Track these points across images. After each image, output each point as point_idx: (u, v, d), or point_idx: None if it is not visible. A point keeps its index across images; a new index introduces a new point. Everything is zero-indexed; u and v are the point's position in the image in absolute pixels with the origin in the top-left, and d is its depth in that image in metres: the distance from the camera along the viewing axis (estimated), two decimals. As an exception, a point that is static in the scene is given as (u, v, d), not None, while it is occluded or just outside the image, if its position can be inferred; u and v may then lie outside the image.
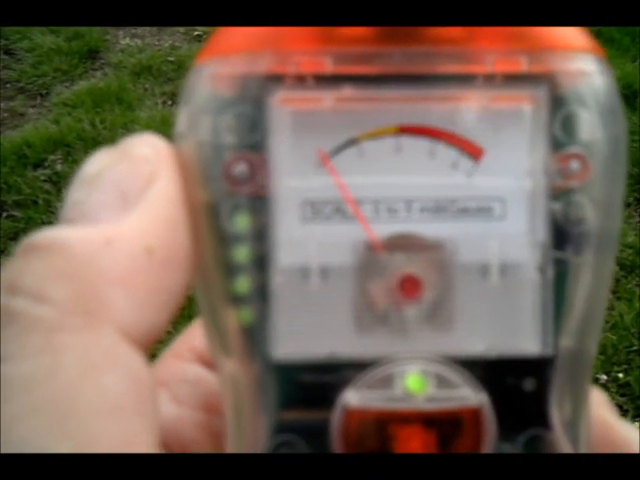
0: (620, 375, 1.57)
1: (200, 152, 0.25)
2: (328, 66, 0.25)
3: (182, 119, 0.26)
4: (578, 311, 0.26)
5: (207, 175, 0.25)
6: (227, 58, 0.25)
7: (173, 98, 2.49)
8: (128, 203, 0.24)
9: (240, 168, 0.25)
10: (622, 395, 1.54)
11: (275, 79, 0.25)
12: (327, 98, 0.26)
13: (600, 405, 0.28)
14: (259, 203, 0.25)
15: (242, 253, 0.25)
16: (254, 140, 0.25)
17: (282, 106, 0.26)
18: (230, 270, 0.25)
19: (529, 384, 0.26)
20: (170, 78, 2.59)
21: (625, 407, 1.52)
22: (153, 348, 0.24)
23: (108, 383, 0.22)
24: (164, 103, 2.46)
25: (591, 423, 0.27)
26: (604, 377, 1.57)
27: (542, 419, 0.26)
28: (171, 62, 2.66)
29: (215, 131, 0.25)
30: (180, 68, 2.62)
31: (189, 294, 0.25)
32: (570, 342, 0.26)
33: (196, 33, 2.83)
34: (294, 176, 0.26)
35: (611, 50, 2.53)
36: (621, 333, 1.64)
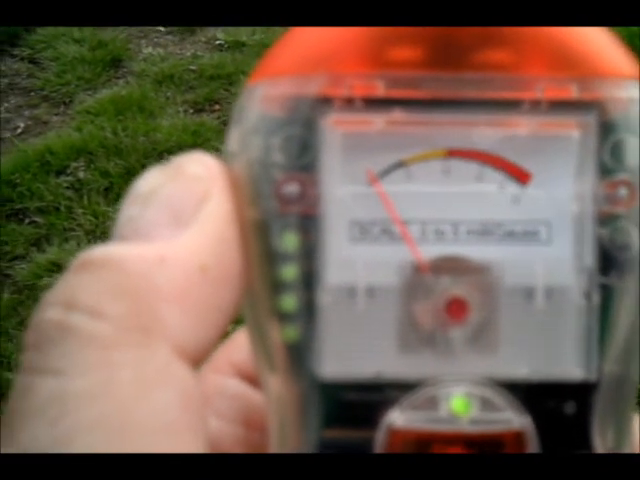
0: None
1: (251, 171, 0.26)
2: (380, 89, 0.26)
3: (233, 138, 0.26)
4: (622, 337, 0.26)
5: (258, 194, 0.26)
6: (279, 79, 0.26)
7: (195, 106, 2.50)
8: (181, 221, 0.24)
9: (290, 188, 0.26)
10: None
11: (326, 101, 0.26)
12: (377, 121, 0.26)
13: None
14: (308, 222, 0.26)
15: (290, 271, 0.26)
16: (305, 160, 0.26)
17: (333, 128, 0.26)
18: (278, 288, 0.26)
19: (572, 409, 0.26)
20: (192, 87, 2.60)
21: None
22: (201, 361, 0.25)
23: (162, 400, 0.22)
24: (185, 111, 2.47)
25: (634, 450, 0.27)
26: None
27: (584, 445, 0.26)
28: (193, 71, 2.67)
29: (266, 151, 0.26)
30: (202, 77, 2.64)
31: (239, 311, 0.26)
32: (613, 368, 0.26)
33: (217, 42, 2.84)
34: (343, 197, 0.26)
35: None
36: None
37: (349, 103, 0.26)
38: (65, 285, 0.23)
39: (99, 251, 0.24)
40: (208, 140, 2.25)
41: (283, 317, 0.26)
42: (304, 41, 0.26)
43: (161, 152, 2.26)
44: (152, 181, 0.25)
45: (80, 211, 2.07)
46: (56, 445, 0.21)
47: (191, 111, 2.48)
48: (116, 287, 0.23)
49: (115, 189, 2.12)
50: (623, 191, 0.26)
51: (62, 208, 2.09)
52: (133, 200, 0.25)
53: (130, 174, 2.18)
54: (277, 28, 2.87)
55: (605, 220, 0.26)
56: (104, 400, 0.21)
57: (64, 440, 0.21)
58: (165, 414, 0.22)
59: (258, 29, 2.86)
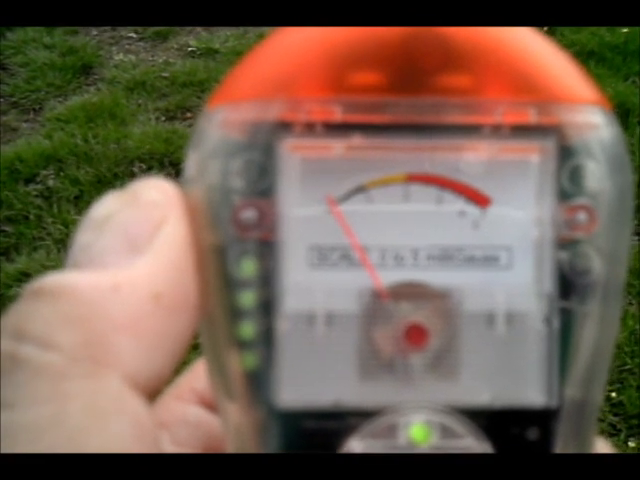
0: (613, 394, 1.57)
1: (209, 197, 0.25)
2: (338, 114, 0.25)
3: (191, 163, 0.26)
4: (583, 361, 0.26)
5: (215, 219, 0.25)
6: (238, 104, 0.26)
7: (166, 114, 2.49)
8: (136, 248, 0.24)
9: (249, 213, 0.25)
10: (615, 414, 1.54)
11: (285, 126, 0.25)
12: (336, 146, 0.26)
13: None
14: (266, 248, 0.26)
15: (248, 298, 0.25)
16: (263, 186, 0.25)
17: (292, 153, 0.26)
18: (235, 314, 0.25)
19: (534, 435, 0.26)
20: (164, 94, 2.59)
21: (618, 426, 1.52)
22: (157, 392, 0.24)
23: (114, 431, 0.22)
24: (157, 119, 2.46)
25: None
26: (598, 396, 1.57)
27: None
28: (165, 78, 2.67)
29: (224, 176, 0.25)
30: (173, 84, 2.63)
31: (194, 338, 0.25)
32: (575, 393, 0.26)
33: (190, 49, 2.83)
34: (302, 222, 0.26)
35: (603, 69, 2.55)
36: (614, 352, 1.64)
37: (308, 128, 0.25)
38: (16, 314, 0.23)
39: (52, 279, 0.23)
40: (180, 148, 2.24)
41: (241, 344, 0.25)
42: (264, 65, 0.26)
43: (132, 160, 2.24)
44: (107, 207, 0.25)
45: (50, 220, 2.05)
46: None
47: (163, 118, 2.47)
48: (67, 316, 0.22)
49: (85, 197, 2.10)
50: (582, 216, 0.26)
51: (31, 217, 2.07)
52: (88, 226, 0.25)
53: (101, 182, 2.16)
54: (250, 36, 2.87)
55: (565, 245, 0.26)
56: (54, 432, 0.21)
57: None
58: (117, 445, 0.22)
59: (231, 36, 2.86)
